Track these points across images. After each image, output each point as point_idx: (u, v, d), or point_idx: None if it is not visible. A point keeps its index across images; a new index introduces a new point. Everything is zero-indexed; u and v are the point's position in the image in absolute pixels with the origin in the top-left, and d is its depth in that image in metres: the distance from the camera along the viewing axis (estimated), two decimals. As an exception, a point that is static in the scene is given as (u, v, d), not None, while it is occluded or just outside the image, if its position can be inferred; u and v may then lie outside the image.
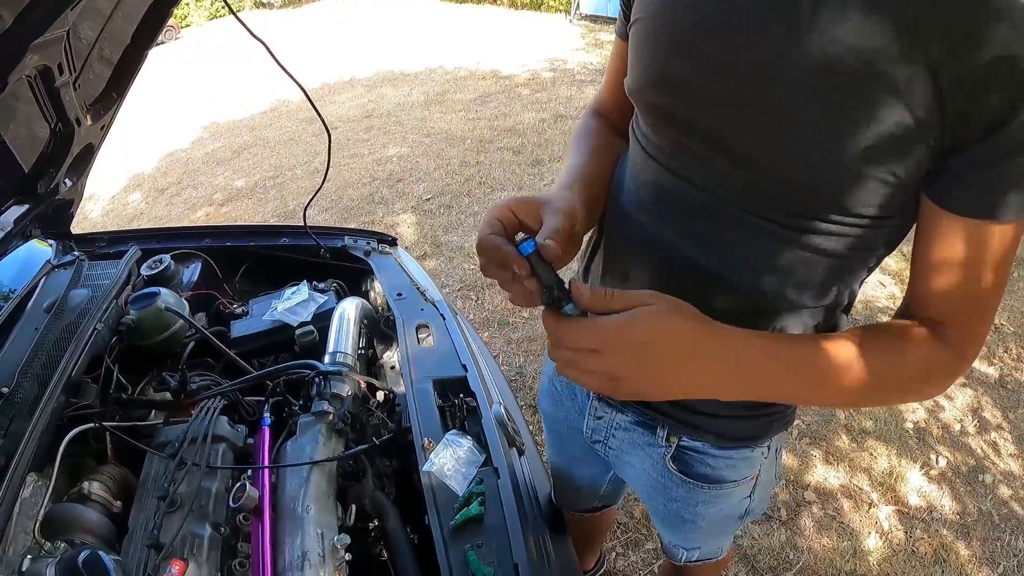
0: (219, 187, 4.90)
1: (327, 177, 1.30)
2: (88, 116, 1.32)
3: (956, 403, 2.43)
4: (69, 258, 1.43)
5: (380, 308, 1.27)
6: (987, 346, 2.74)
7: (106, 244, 1.49)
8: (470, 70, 7.33)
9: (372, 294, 1.34)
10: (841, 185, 0.55)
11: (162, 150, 6.11)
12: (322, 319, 1.21)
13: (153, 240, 1.48)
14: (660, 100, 0.65)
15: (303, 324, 1.21)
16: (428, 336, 1.15)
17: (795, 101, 0.54)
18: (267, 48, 1.10)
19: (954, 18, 0.48)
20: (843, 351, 0.56)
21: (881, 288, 3.06)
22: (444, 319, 1.16)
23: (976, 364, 2.60)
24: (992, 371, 2.61)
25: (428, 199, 4.05)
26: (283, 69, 1.10)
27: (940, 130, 0.50)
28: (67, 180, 1.38)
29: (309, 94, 1.16)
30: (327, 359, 1.09)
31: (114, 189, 5.43)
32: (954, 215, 0.54)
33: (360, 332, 1.16)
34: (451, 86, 6.80)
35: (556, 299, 0.54)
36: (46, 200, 1.36)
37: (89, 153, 1.38)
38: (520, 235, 0.57)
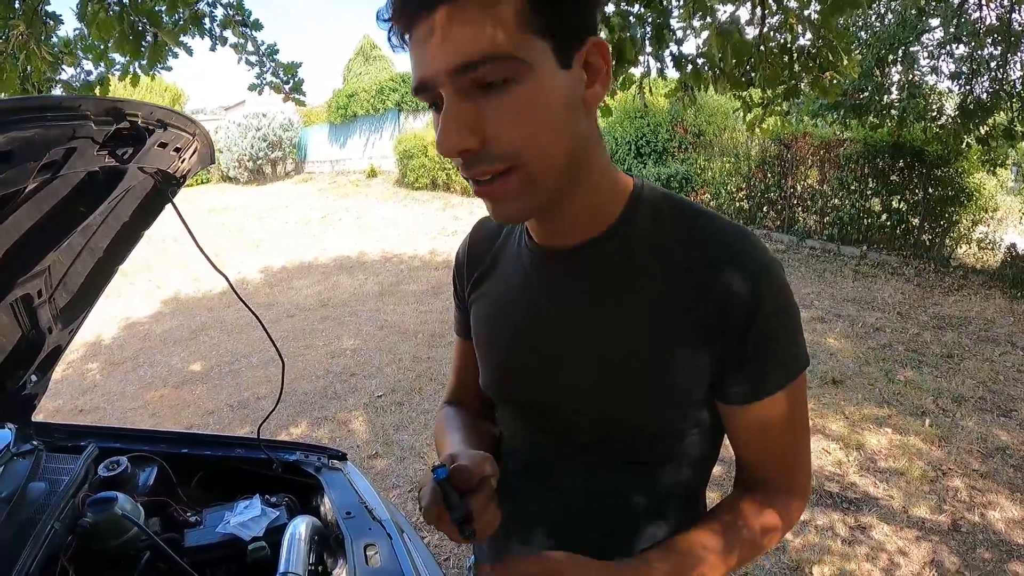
0: (175, 369, 4.92)
1: (280, 400, 1.41)
2: (59, 323, 1.39)
3: (912, 558, 2.46)
4: (28, 447, 1.45)
5: (330, 523, 1.34)
6: (936, 494, 2.82)
7: (64, 437, 1.51)
8: (423, 259, 7.58)
9: (322, 509, 1.39)
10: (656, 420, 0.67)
11: (121, 317, 6.14)
12: (274, 534, 1.25)
13: (110, 439, 1.51)
14: (509, 393, 0.77)
15: (255, 539, 1.24)
16: (375, 554, 1.21)
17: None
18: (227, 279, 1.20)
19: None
20: (716, 542, 0.68)
21: (826, 455, 3.15)
22: (391, 538, 1.23)
23: (926, 514, 2.69)
24: (943, 518, 2.67)
25: (380, 396, 4.06)
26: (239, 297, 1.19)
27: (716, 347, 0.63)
28: (34, 376, 1.42)
29: (263, 321, 1.27)
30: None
31: (73, 354, 5.39)
32: (738, 406, 0.67)
33: (311, 550, 1.22)
34: (405, 276, 6.97)
35: (462, 527, 0.55)
36: (12, 396, 1.41)
37: (58, 353, 1.44)
38: (437, 463, 0.60)
